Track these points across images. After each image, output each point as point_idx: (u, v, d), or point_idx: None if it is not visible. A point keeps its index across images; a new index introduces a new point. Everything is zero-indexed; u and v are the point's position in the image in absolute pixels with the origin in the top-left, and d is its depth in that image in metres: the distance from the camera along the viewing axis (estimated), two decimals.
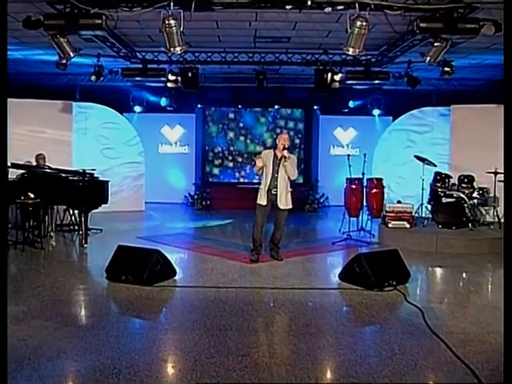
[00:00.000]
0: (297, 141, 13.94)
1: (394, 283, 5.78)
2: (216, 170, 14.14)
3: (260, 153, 7.38)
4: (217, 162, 14.11)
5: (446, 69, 8.96)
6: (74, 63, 9.02)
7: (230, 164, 14.12)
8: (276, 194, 6.90)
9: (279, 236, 7.20)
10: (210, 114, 14.00)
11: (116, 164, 12.04)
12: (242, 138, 14.06)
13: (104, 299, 5.49)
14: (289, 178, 6.93)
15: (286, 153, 6.80)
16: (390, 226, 8.66)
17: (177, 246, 8.22)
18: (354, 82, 10.13)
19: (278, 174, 6.88)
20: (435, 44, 7.01)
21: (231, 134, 14.05)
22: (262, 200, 6.95)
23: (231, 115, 14.00)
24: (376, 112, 13.44)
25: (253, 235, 7.12)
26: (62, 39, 6.82)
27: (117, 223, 10.37)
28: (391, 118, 13.18)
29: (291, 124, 14.01)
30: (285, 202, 6.94)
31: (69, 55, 7.18)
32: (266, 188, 6.91)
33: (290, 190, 7.02)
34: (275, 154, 6.93)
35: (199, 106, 13.64)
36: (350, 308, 5.29)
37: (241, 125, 14.03)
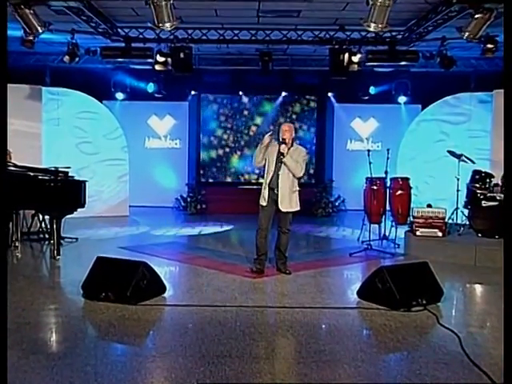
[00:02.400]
0: (307, 134, 13.95)
1: (424, 302, 5.76)
2: (213, 168, 14.16)
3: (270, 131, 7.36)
4: (213, 158, 14.13)
5: (489, 46, 8.83)
6: (43, 40, 9.03)
7: (229, 161, 14.14)
8: (277, 194, 6.90)
9: (285, 241, 7.18)
10: (206, 102, 14.03)
11: (94, 161, 12.07)
12: (243, 131, 14.07)
13: (80, 321, 5.46)
14: (293, 175, 6.92)
15: (282, 147, 6.80)
16: (418, 234, 8.63)
17: (166, 258, 8.23)
18: (375, 63, 10.11)
19: (280, 171, 6.88)
20: (476, 16, 6.97)
21: (230, 126, 14.07)
22: (262, 200, 6.97)
23: (231, 103, 14.02)
24: (402, 99, 13.45)
25: (256, 242, 7.12)
26: (27, 10, 6.82)
27: (95, 231, 10.38)
28: (420, 106, 13.20)
29: (301, 114, 14.03)
30: (288, 203, 6.93)
31: (36, 31, 7.18)
32: (268, 186, 6.92)
33: (296, 189, 7.01)
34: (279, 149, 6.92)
35: (193, 92, 13.68)
36: (372, 331, 5.26)
37: (242, 115, 14.04)
